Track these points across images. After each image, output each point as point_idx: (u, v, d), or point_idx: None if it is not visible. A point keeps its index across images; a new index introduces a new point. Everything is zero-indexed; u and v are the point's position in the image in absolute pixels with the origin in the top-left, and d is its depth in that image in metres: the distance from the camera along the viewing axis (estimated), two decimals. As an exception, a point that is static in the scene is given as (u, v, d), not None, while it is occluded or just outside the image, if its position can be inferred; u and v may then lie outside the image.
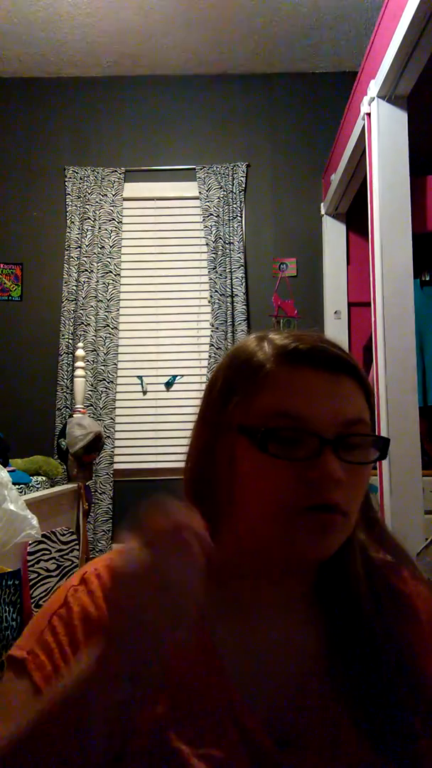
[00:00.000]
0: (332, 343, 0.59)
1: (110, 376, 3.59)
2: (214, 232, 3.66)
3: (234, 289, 3.60)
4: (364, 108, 2.37)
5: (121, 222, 3.72)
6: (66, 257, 3.67)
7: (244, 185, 3.73)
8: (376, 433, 0.59)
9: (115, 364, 3.62)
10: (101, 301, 3.65)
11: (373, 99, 2.28)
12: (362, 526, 0.63)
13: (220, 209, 3.69)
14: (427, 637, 0.61)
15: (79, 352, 3.24)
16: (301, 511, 0.54)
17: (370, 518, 0.64)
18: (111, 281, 3.66)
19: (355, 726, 0.55)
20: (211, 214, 3.68)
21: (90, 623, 0.57)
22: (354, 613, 0.60)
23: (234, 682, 0.56)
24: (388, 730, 0.54)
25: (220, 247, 3.65)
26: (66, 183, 3.74)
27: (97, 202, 3.71)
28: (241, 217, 3.70)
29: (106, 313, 3.64)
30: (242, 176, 3.72)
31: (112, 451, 3.55)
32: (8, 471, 2.16)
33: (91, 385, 3.53)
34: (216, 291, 3.63)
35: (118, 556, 0.50)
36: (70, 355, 3.56)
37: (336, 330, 3.59)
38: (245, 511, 0.58)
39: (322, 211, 3.68)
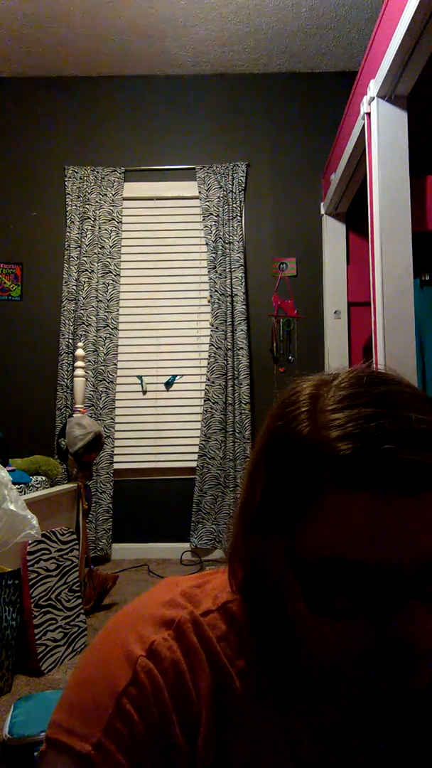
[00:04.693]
0: (417, 432, 0.41)
1: (110, 376, 3.60)
2: (213, 231, 3.66)
3: (234, 289, 3.60)
4: (364, 108, 2.38)
5: (120, 222, 3.72)
6: (66, 257, 3.67)
7: (244, 185, 3.73)
8: None
9: (115, 364, 3.62)
10: (101, 301, 3.64)
11: (373, 99, 2.29)
12: None
13: (220, 209, 3.69)
14: None
15: (79, 352, 3.24)
16: (374, 658, 0.43)
17: None
18: (111, 281, 3.66)
19: None
20: (211, 214, 3.68)
21: (165, 708, 0.46)
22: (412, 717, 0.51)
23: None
24: None
25: (220, 247, 3.65)
26: (66, 183, 3.74)
27: (97, 201, 3.71)
28: (241, 216, 3.70)
29: (106, 313, 3.64)
30: (242, 176, 3.72)
31: (112, 451, 3.56)
32: (8, 471, 2.16)
33: (92, 385, 3.54)
34: (216, 291, 3.63)
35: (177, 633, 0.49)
36: (70, 355, 3.56)
37: (336, 330, 3.59)
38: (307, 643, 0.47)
39: (322, 211, 3.68)
